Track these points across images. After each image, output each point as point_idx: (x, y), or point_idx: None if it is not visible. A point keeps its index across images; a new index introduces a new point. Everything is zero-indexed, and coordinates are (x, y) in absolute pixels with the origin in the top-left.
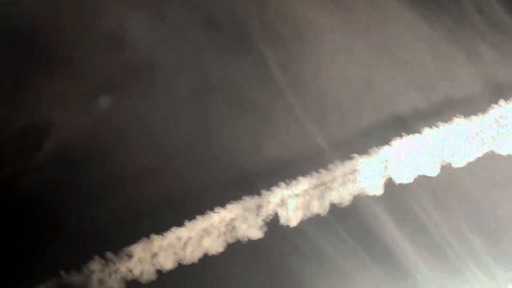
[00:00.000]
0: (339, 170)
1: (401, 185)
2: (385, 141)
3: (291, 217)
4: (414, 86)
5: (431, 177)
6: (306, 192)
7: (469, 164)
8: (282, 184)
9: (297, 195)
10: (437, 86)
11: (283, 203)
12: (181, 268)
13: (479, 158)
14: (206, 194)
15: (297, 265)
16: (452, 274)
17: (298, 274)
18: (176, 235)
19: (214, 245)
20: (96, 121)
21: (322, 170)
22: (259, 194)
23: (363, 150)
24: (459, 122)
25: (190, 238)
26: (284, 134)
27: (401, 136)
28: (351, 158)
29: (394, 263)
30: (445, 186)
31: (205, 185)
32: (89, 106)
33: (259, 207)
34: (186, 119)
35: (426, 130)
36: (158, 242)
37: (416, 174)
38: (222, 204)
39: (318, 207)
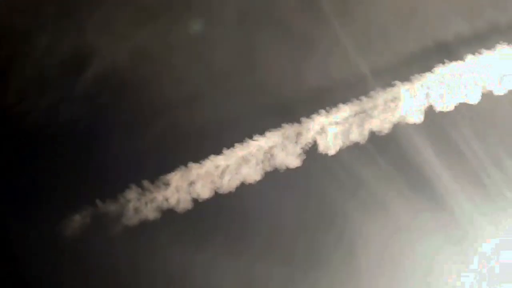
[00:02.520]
0: (381, 97)
1: (441, 113)
2: (428, 68)
3: (330, 145)
4: (459, 12)
5: (472, 104)
6: (346, 119)
7: (510, 92)
8: (322, 111)
9: (337, 123)
10: (482, 13)
11: (322, 131)
12: (217, 197)
13: None
14: (245, 122)
15: (335, 194)
16: (490, 203)
17: (336, 202)
18: (214, 163)
19: (252, 174)
20: (139, 48)
21: (363, 98)
22: (298, 121)
23: (405, 77)
24: (502, 49)
25: (227, 166)
26: (327, 61)
27: (443, 63)
28: (392, 85)
29: (432, 192)
30: (486, 114)
31: (244, 113)
32: (132, 33)
33: (298, 134)
34: (228, 47)
35: (469, 57)
36: (196, 170)
37: (456, 101)
38: (261, 132)
39: (358, 135)
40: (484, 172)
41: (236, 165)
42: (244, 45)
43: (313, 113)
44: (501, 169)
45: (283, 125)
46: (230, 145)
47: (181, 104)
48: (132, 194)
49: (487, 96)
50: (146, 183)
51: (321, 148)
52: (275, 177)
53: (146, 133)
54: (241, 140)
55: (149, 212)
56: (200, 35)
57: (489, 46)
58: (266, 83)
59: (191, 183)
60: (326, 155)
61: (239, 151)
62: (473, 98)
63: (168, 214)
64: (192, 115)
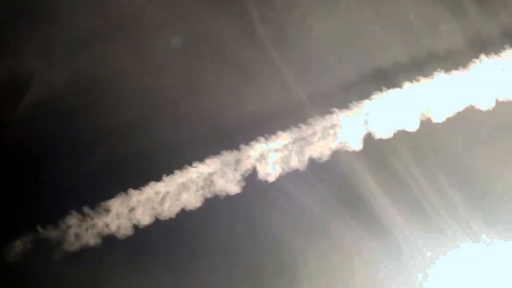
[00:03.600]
0: (319, 124)
1: (380, 140)
2: (366, 95)
3: (270, 172)
4: (396, 40)
5: (411, 132)
6: (285, 147)
7: (449, 119)
8: (262, 138)
9: (276, 150)
10: (419, 40)
11: (262, 158)
12: (158, 223)
13: (458, 113)
14: (185, 149)
15: (275, 221)
16: (431, 230)
17: (276, 229)
18: (154, 189)
19: (192, 200)
20: (79, 74)
21: (302, 125)
22: (238, 148)
23: (344, 105)
24: (440, 76)
25: (168, 193)
26: (265, 89)
27: (381, 90)
28: (331, 113)
29: (373, 219)
30: (425, 141)
31: (184, 140)
32: (71, 59)
33: (237, 161)
34: (167, 74)
35: (407, 85)
36: (136, 196)
37: (395, 129)
38: (201, 159)
39: (297, 162)
40: (425, 200)
41: (176, 192)
42: (183, 73)
43: (252, 140)
44: (440, 194)
45: (222, 152)
46: (170, 172)
47: (121, 131)
48: (72, 220)
49: (426, 123)
50: (86, 209)
51: (261, 175)
52: (215, 204)
53: (86, 159)
54: (181, 167)
55: (90, 238)
56: (140, 62)
57: (427, 73)
58: (205, 110)
59: (132, 210)
60: (266, 181)
61: (179, 178)
62: (412, 125)
63: (109, 240)
64: (132, 141)
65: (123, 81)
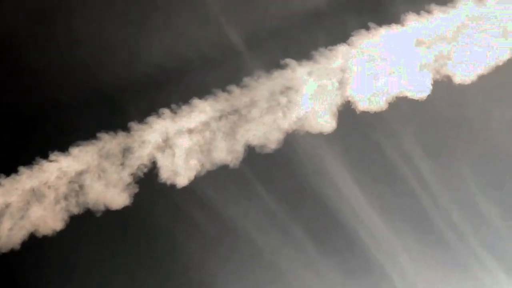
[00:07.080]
0: (263, 86)
1: (365, 114)
2: (343, 36)
3: (179, 169)
4: None
5: (417, 101)
6: (206, 125)
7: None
8: (166, 111)
9: (190, 131)
10: None
11: (166, 144)
12: None
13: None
14: (36, 129)
15: (190, 251)
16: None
17: (192, 265)
18: None
19: (49, 219)
20: None
21: (233, 87)
22: (126, 128)
23: (304, 53)
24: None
25: (7, 206)
26: (175, 29)
27: (366, 28)
28: (283, 66)
29: (357, 248)
30: (442, 116)
31: (34, 113)
32: None
33: (125, 151)
34: None
35: (411, 19)
36: None
37: (391, 95)
38: (63, 147)
39: (224, 153)
40: (437, 212)
41: (21, 204)
42: None
43: (150, 113)
44: (471, 210)
45: (99, 134)
46: (10, 170)
47: None
48: None
49: (443, 86)
50: None
51: (164, 174)
52: (86, 224)
53: None
54: (29, 161)
55: None
56: None
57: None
58: (71, 63)
59: None
60: (173, 186)
61: (25, 180)
62: (420, 89)
63: None
64: None
65: None
